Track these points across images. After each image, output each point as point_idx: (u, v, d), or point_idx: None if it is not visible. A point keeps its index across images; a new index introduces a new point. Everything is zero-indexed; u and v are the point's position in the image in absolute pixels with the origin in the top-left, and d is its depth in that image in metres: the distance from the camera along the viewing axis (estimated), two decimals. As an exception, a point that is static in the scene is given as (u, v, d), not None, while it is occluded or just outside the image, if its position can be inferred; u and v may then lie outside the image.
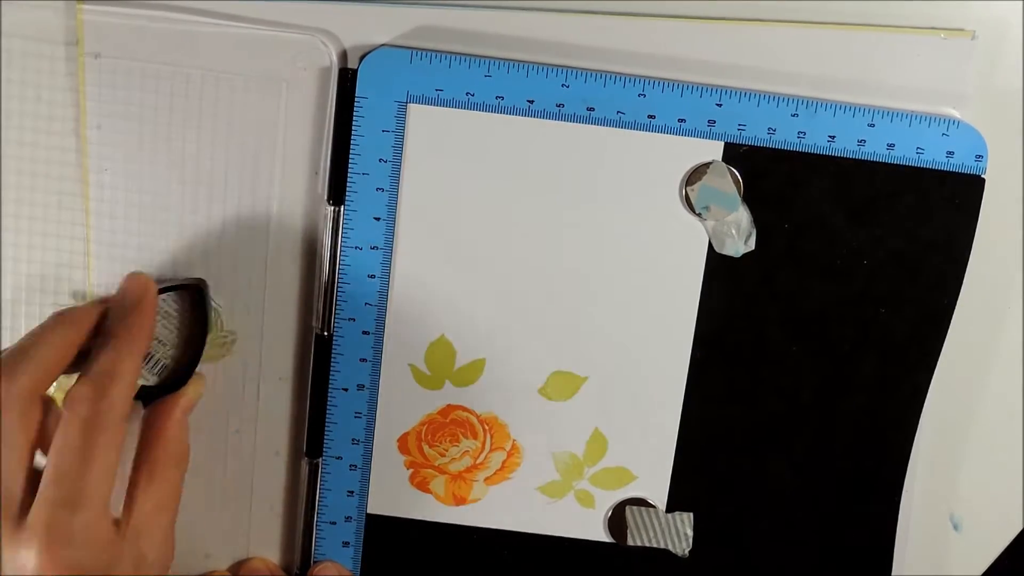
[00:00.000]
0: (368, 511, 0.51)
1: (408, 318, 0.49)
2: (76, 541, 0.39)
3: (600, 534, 0.52)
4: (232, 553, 0.53)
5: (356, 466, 0.51)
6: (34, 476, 0.40)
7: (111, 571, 0.41)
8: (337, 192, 0.48)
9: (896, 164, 0.47)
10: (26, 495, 0.39)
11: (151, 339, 0.45)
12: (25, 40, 0.47)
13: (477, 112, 0.47)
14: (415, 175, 0.48)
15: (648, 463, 0.51)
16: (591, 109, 0.47)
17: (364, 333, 0.49)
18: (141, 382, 0.46)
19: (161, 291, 0.46)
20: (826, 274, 0.49)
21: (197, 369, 0.48)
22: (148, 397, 0.46)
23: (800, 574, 0.52)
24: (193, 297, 0.47)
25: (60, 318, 0.43)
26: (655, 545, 0.52)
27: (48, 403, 0.42)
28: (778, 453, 0.51)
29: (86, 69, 0.47)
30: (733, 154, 0.47)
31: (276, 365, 0.50)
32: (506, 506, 0.52)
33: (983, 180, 0.47)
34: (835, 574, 0.52)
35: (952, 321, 0.49)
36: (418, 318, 0.49)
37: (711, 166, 0.48)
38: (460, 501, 0.52)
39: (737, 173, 0.48)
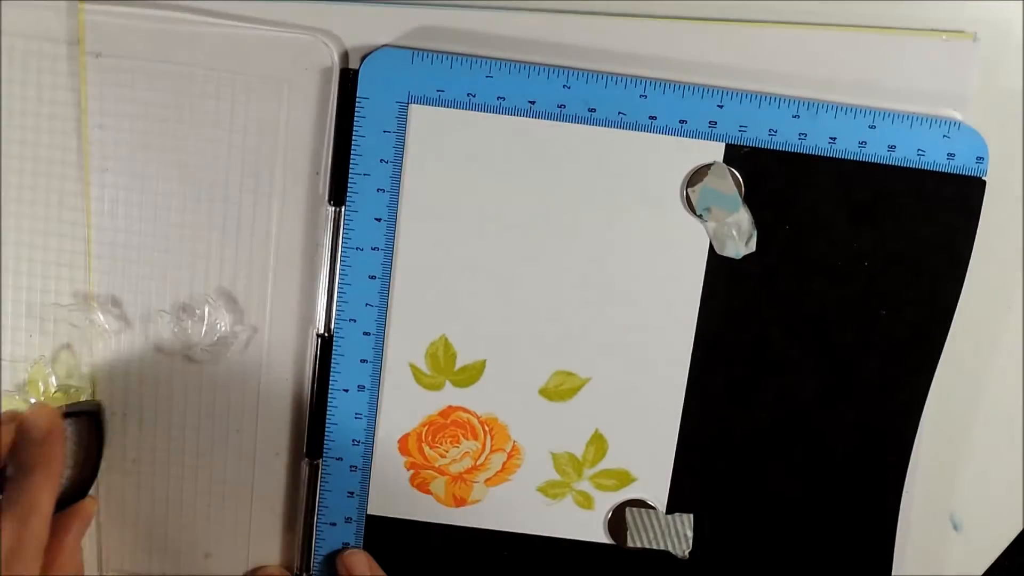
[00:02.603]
0: (368, 512, 0.51)
1: (409, 319, 0.49)
2: None
3: (600, 535, 0.52)
4: (232, 553, 0.53)
5: (356, 467, 0.51)
6: None
7: None
8: (338, 193, 0.48)
9: (897, 166, 0.47)
10: None
11: (62, 468, 0.45)
12: (26, 39, 0.47)
13: (478, 112, 0.47)
14: (416, 175, 0.48)
15: (648, 464, 0.51)
16: (592, 110, 0.47)
17: (365, 334, 0.49)
18: None
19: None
20: (827, 275, 0.49)
21: (91, 492, 0.49)
22: None
23: (800, 574, 0.52)
24: (90, 422, 0.48)
25: None
26: (655, 547, 0.52)
27: None
28: (778, 454, 0.51)
29: (87, 68, 0.47)
30: (734, 155, 0.47)
31: (277, 365, 0.50)
32: (506, 507, 0.52)
33: (984, 182, 0.47)
34: (835, 574, 0.52)
35: (953, 322, 0.49)
36: (419, 319, 0.49)
37: (712, 167, 0.48)
38: (460, 502, 0.52)
39: (738, 174, 0.48)
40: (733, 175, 0.48)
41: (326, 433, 0.50)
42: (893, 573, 0.52)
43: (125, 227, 0.49)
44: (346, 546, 0.52)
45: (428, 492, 0.52)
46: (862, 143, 0.47)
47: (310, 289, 0.49)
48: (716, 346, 0.49)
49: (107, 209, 0.49)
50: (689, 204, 0.48)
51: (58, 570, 0.45)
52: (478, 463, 0.51)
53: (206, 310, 0.49)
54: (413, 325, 0.49)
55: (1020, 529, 0.54)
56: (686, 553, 0.52)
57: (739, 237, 0.48)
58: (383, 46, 0.47)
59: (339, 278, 0.48)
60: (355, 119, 0.47)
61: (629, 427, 0.50)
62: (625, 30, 0.47)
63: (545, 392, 0.50)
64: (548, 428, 0.51)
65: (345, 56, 0.47)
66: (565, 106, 0.47)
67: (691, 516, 0.51)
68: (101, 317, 0.50)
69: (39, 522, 0.42)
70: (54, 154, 0.48)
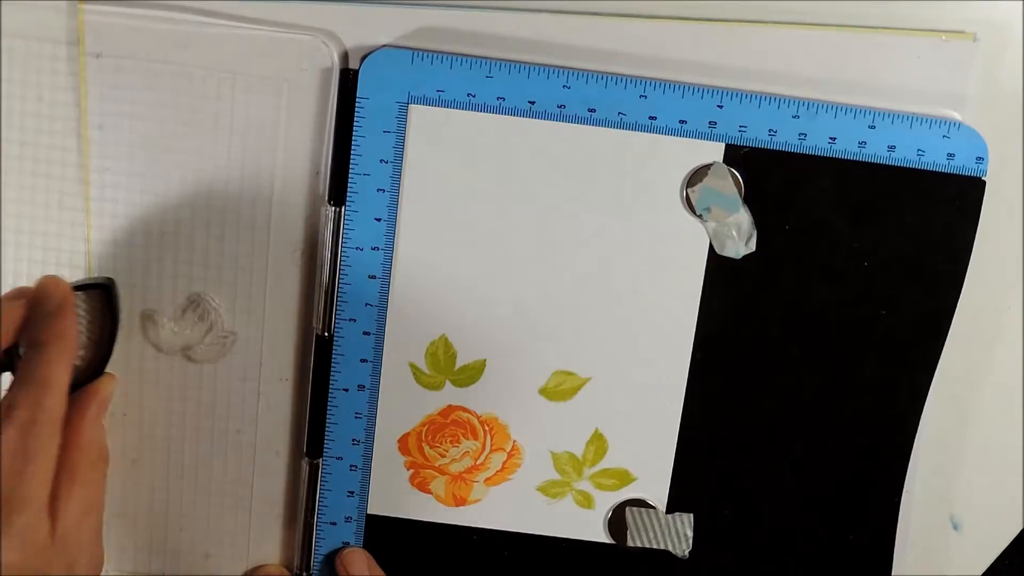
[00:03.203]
0: (368, 511, 0.51)
1: (409, 318, 0.49)
2: (14, 543, 0.39)
3: (600, 535, 0.52)
4: (232, 553, 0.53)
5: (356, 466, 0.51)
6: None
7: (44, 574, 0.41)
8: (338, 193, 0.48)
9: (897, 166, 0.47)
10: None
11: (77, 342, 0.44)
12: (26, 40, 0.47)
13: (478, 113, 0.47)
14: (416, 175, 0.48)
15: (648, 464, 0.51)
16: (592, 110, 0.47)
17: (365, 334, 0.49)
18: None
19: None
20: (827, 275, 0.49)
21: (108, 369, 0.47)
22: None
23: (800, 574, 0.52)
24: (102, 297, 0.47)
25: None
26: (655, 546, 0.52)
27: None
28: (778, 454, 0.51)
29: (87, 69, 0.47)
30: (734, 155, 0.47)
31: (277, 365, 0.50)
32: (506, 507, 0.52)
33: (984, 182, 0.47)
34: (835, 574, 0.52)
35: (953, 322, 0.49)
36: (419, 318, 0.49)
37: (712, 167, 0.48)
38: (460, 502, 0.52)
39: (738, 174, 0.48)
40: (733, 175, 0.48)
41: (326, 433, 0.50)
42: (893, 573, 0.52)
43: (125, 227, 0.49)
44: (346, 545, 0.52)
45: (428, 492, 0.52)
46: (862, 143, 0.47)
47: (310, 289, 0.49)
48: (716, 346, 0.49)
49: (107, 209, 0.49)
50: (689, 204, 0.48)
51: (79, 451, 0.43)
52: (478, 463, 0.51)
53: (206, 310, 0.49)
54: (413, 325, 0.49)
55: (1020, 529, 0.54)
56: (686, 553, 0.52)
57: (739, 237, 0.48)
58: (383, 46, 0.47)
59: (339, 278, 0.48)
60: (355, 119, 0.47)
61: (629, 427, 0.50)
62: (625, 30, 0.47)
63: (545, 392, 0.50)
64: (548, 428, 0.51)
65: (345, 56, 0.47)
66: (565, 106, 0.47)
67: (691, 516, 0.51)
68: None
69: (54, 398, 0.41)
70: (54, 154, 0.48)
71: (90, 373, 0.46)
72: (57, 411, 0.41)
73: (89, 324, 0.46)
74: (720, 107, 0.47)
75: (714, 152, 0.47)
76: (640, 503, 0.51)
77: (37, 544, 0.40)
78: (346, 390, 0.50)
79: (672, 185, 0.48)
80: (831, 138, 0.47)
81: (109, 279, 0.47)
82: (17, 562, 0.39)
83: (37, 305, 0.43)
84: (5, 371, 0.42)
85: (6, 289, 0.49)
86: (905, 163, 0.47)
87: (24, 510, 0.39)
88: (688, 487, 0.51)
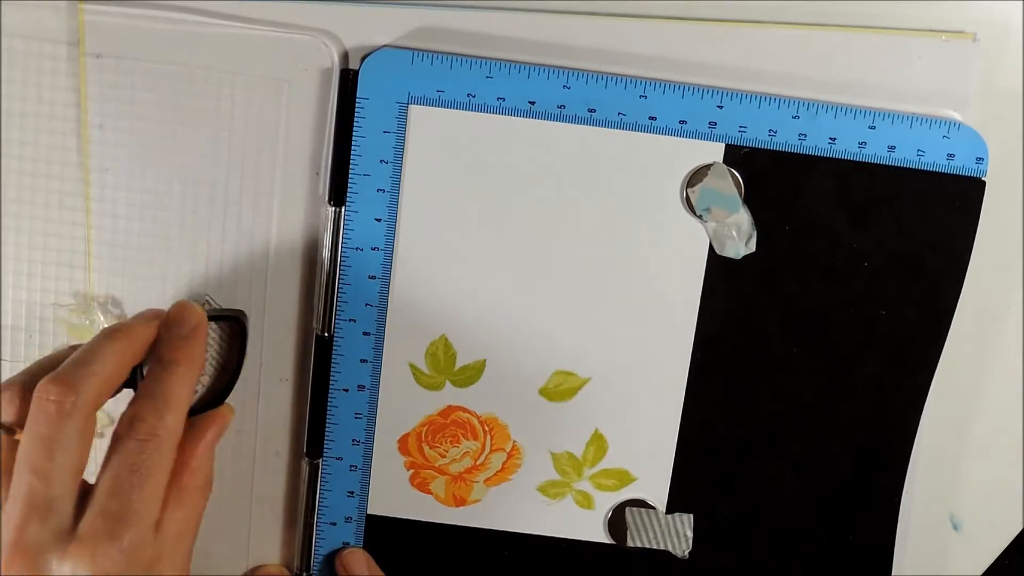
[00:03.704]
0: (368, 512, 0.51)
1: (409, 319, 0.49)
2: (122, 557, 0.38)
3: (600, 535, 0.52)
4: (232, 553, 0.53)
5: (356, 467, 0.51)
6: (83, 490, 0.40)
7: None
8: (338, 193, 0.48)
9: (897, 166, 0.47)
10: (76, 508, 0.39)
11: (203, 366, 0.45)
12: (26, 40, 0.47)
13: (478, 113, 0.47)
14: (416, 175, 0.48)
15: (648, 464, 0.51)
16: (592, 110, 0.47)
17: (365, 334, 0.49)
18: None
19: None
20: (827, 276, 0.49)
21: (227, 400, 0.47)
22: None
23: (800, 574, 0.52)
24: (232, 328, 0.47)
25: (117, 334, 0.42)
26: (655, 546, 0.52)
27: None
28: (778, 454, 0.51)
29: (87, 69, 0.47)
30: (734, 156, 0.47)
31: (277, 366, 0.50)
32: (506, 507, 0.52)
33: (984, 182, 0.47)
34: (835, 574, 0.52)
35: (953, 322, 0.49)
36: (419, 319, 0.49)
37: (712, 168, 0.48)
38: (460, 502, 0.52)
39: (738, 175, 0.48)
40: (733, 175, 0.48)
41: (326, 433, 0.50)
42: (893, 573, 0.52)
43: (125, 227, 0.49)
44: (346, 545, 0.52)
45: (428, 492, 0.52)
46: (862, 143, 0.47)
47: (310, 289, 0.49)
48: (716, 346, 0.49)
49: (107, 209, 0.49)
50: (689, 204, 0.48)
51: (190, 474, 0.43)
52: (478, 463, 0.51)
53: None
54: (413, 325, 0.49)
55: (1020, 529, 0.54)
56: (686, 553, 0.52)
57: (739, 237, 0.48)
58: (383, 46, 0.47)
59: (339, 278, 0.48)
60: (355, 119, 0.47)
61: (629, 427, 0.50)
62: (625, 30, 0.47)
63: (545, 392, 0.50)
64: (548, 428, 0.51)
65: (345, 56, 0.47)
66: (565, 106, 0.47)
67: (691, 516, 0.51)
68: (101, 317, 0.50)
69: (176, 416, 0.41)
70: (54, 154, 0.48)
71: (209, 401, 0.46)
72: (176, 430, 0.41)
73: (217, 352, 0.46)
74: (720, 107, 0.47)
75: (714, 152, 0.47)
76: (640, 503, 0.51)
77: (142, 561, 0.39)
78: (346, 390, 0.50)
79: (672, 185, 0.48)
80: (831, 138, 0.47)
81: (241, 312, 0.47)
82: (121, 573, 0.38)
83: (170, 327, 0.43)
84: (128, 387, 0.42)
85: (6, 289, 0.50)
86: (905, 163, 0.47)
87: (135, 525, 0.39)
88: (688, 487, 0.51)
